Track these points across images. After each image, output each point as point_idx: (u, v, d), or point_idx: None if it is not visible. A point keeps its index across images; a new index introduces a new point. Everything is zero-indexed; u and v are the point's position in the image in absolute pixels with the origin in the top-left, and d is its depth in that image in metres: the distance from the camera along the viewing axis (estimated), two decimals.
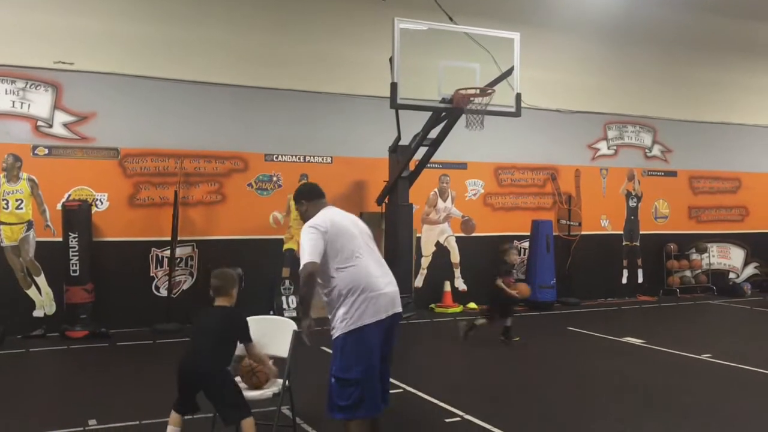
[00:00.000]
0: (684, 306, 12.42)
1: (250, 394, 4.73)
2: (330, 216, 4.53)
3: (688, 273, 13.88)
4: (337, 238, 4.38)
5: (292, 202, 10.70)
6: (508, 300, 8.70)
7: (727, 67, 14.03)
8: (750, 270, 14.69)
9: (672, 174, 13.97)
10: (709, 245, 14.10)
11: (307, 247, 4.33)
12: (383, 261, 4.62)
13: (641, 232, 13.58)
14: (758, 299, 12.80)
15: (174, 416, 4.55)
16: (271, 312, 10.30)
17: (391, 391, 4.69)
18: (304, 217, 4.71)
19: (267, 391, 4.69)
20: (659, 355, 8.12)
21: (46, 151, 9.51)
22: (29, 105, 9.43)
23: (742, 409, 5.93)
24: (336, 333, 4.40)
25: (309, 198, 4.75)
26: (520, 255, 9.08)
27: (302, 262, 4.31)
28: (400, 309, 4.52)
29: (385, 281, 4.45)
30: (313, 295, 4.37)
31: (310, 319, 4.41)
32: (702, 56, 13.70)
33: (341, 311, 4.35)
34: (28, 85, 9.42)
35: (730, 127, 14.35)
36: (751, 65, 14.24)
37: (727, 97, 14.27)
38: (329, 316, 4.49)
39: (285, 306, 10.60)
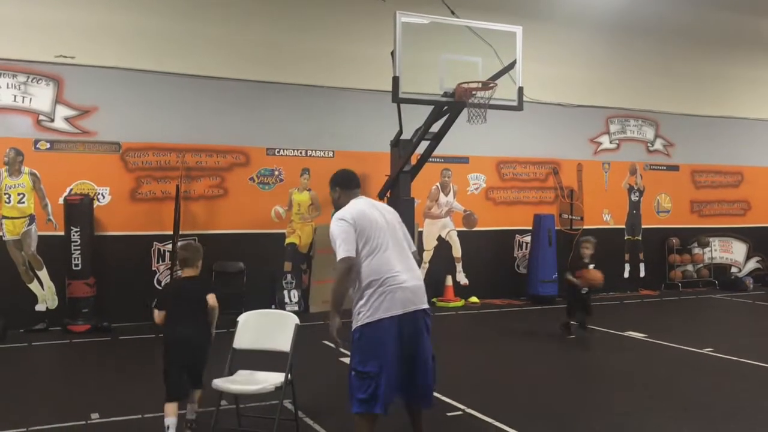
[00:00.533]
0: (686, 300, 12.41)
1: (250, 387, 4.74)
2: (359, 207, 4.46)
3: (690, 267, 13.88)
4: (363, 230, 4.33)
5: (294, 196, 10.83)
6: (582, 294, 8.61)
7: (730, 61, 13.99)
8: (752, 264, 14.68)
9: (674, 168, 13.94)
10: (711, 239, 14.09)
11: (340, 240, 4.27)
12: (409, 254, 4.52)
13: (643, 226, 13.56)
14: (760, 293, 12.79)
15: (169, 406, 4.69)
16: (273, 306, 10.32)
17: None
18: (336, 205, 4.70)
19: (269, 385, 4.70)
20: (661, 349, 8.12)
21: (48, 145, 9.51)
22: (31, 99, 9.42)
23: (743, 402, 5.93)
24: (354, 325, 4.35)
25: (343, 186, 4.69)
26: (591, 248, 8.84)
27: (338, 255, 4.26)
28: (423, 305, 4.39)
29: (407, 276, 4.34)
30: (347, 292, 4.32)
31: (339, 318, 4.33)
32: (705, 50, 13.66)
33: (360, 303, 4.32)
34: (29, 80, 9.41)
35: (733, 121, 14.32)
36: (754, 59, 14.20)
37: (730, 91, 14.24)
38: (352, 308, 4.43)
39: (287, 300, 10.61)
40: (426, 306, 4.43)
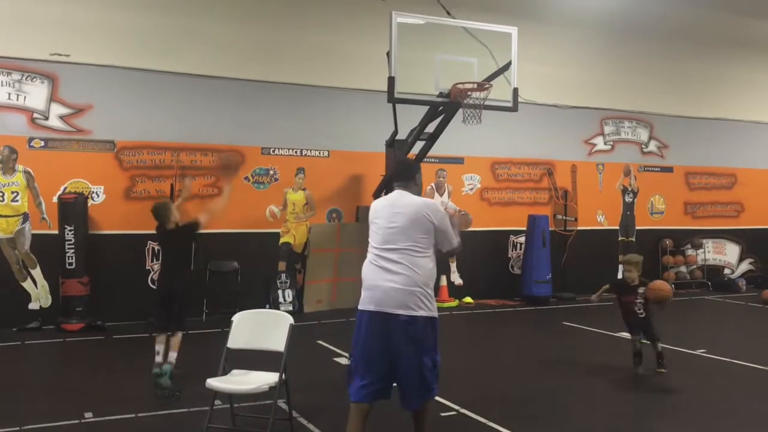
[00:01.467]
0: (679, 301, 12.39)
1: (244, 387, 4.74)
2: (379, 204, 4.65)
3: (683, 268, 13.93)
4: (371, 225, 4.57)
5: (289, 195, 10.83)
6: (641, 318, 7.15)
7: (724, 63, 14.05)
8: (745, 266, 14.74)
9: (668, 170, 13.99)
10: (704, 241, 14.14)
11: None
12: (410, 257, 4.36)
13: (637, 228, 13.61)
14: (753, 295, 12.84)
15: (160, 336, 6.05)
16: (268, 306, 10.30)
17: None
18: None
19: (263, 385, 4.70)
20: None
21: (42, 143, 9.48)
22: (25, 97, 9.40)
23: (735, 403, 5.96)
24: None
25: (393, 178, 4.90)
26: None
27: None
28: (397, 311, 4.27)
29: (389, 277, 4.32)
30: None
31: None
32: (699, 52, 13.71)
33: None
34: (24, 77, 9.38)
35: (727, 123, 14.38)
36: (748, 61, 14.26)
37: (724, 94, 14.30)
38: None
39: (281, 299, 10.59)
40: (398, 312, 4.27)
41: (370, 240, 4.54)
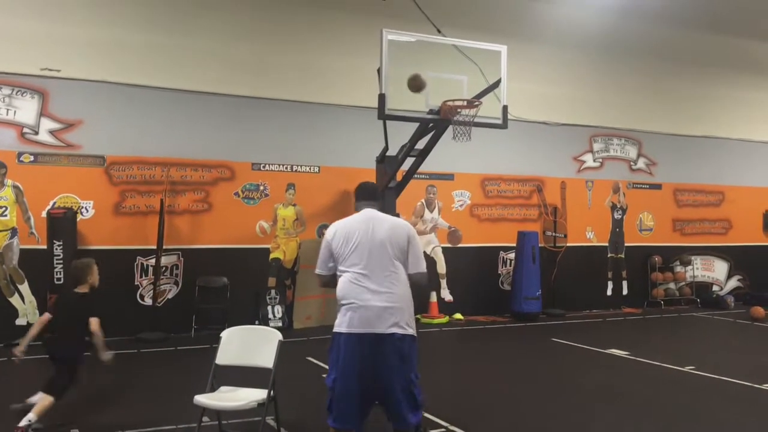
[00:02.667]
0: (668, 318, 12.50)
1: (232, 404, 4.72)
2: (347, 222, 4.47)
3: (672, 285, 13.98)
4: (340, 247, 4.35)
5: (279, 211, 10.82)
6: None
7: (712, 82, 14.21)
8: (733, 282, 14.82)
9: (657, 187, 14.09)
10: (693, 258, 14.22)
11: (319, 256, 4.50)
12: (393, 275, 4.33)
13: (626, 244, 13.67)
14: (741, 312, 12.90)
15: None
16: (257, 322, 10.27)
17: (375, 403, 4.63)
18: None
19: (251, 401, 4.68)
20: (643, 367, 8.16)
21: (32, 158, 9.46)
22: (15, 112, 9.39)
23: (724, 420, 5.98)
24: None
25: (357, 197, 4.71)
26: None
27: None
28: (387, 330, 4.18)
29: (377, 296, 4.22)
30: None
31: None
32: (688, 70, 13.87)
33: (338, 313, 4.33)
34: (14, 92, 9.38)
35: (715, 140, 14.52)
36: (735, 80, 14.42)
37: (712, 111, 14.45)
38: None
39: (270, 316, 10.57)
40: (392, 331, 4.19)
41: (341, 259, 4.33)
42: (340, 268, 4.33)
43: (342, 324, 4.23)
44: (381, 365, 4.17)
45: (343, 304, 4.25)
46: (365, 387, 4.18)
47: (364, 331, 4.17)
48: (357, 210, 4.59)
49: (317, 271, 4.48)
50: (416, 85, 6.12)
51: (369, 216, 4.47)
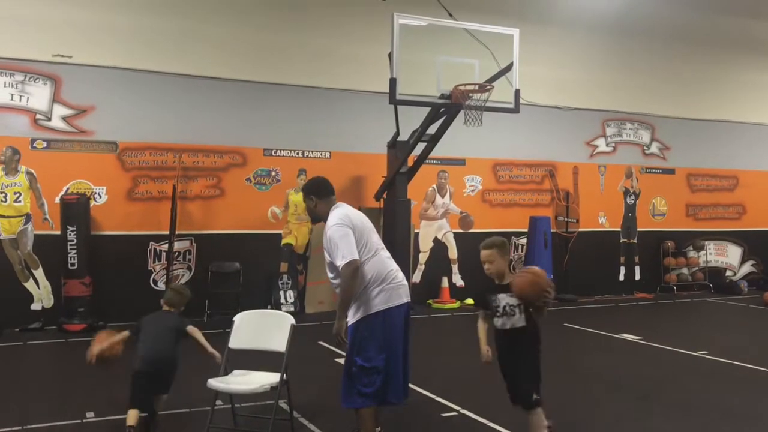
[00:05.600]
0: (681, 303, 12.45)
1: (245, 387, 4.75)
2: (348, 212, 4.56)
3: (685, 270, 13.92)
4: (361, 233, 4.46)
5: (291, 197, 10.84)
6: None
7: (726, 65, 14.04)
8: (747, 268, 14.73)
9: (670, 171, 13.99)
10: (706, 243, 14.13)
11: (342, 244, 4.33)
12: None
13: (639, 230, 13.61)
14: (755, 297, 12.83)
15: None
16: (269, 306, 10.32)
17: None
18: (313, 214, 4.76)
19: (264, 385, 4.71)
20: (656, 352, 8.14)
21: (45, 144, 9.51)
22: (28, 98, 9.42)
23: (737, 404, 5.96)
24: (355, 318, 4.42)
25: (319, 195, 4.69)
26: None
27: (341, 259, 4.30)
28: (407, 299, 4.60)
29: (401, 275, 4.59)
30: (356, 295, 4.39)
31: (346, 319, 4.43)
32: (701, 53, 13.70)
33: (362, 299, 4.39)
34: (26, 78, 9.41)
35: (729, 124, 14.38)
36: (750, 62, 14.24)
37: (726, 95, 14.29)
38: (349, 307, 4.48)
39: (283, 300, 10.62)
40: (407, 299, 4.61)
41: (366, 245, 4.45)
42: (363, 254, 4.41)
43: (381, 303, 4.39)
44: (407, 332, 4.55)
45: (380, 284, 4.41)
46: (402, 355, 4.48)
47: (401, 303, 4.47)
48: (327, 205, 4.64)
49: (352, 257, 4.29)
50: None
51: (351, 207, 4.68)
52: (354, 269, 4.29)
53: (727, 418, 5.57)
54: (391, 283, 4.46)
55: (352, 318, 4.43)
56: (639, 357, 7.94)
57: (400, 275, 4.57)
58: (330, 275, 4.56)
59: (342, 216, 4.47)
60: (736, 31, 13.51)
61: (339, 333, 4.40)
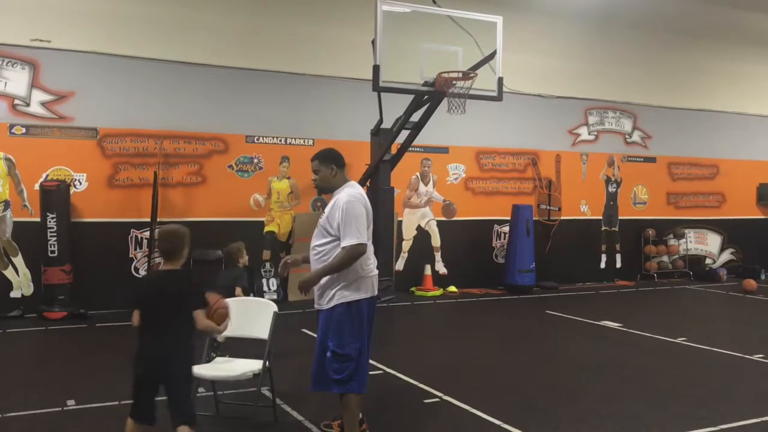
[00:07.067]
0: (661, 291, 12.58)
1: (228, 374, 4.74)
2: (364, 194, 4.50)
3: (665, 258, 14.06)
4: (367, 215, 4.42)
5: (273, 184, 10.79)
6: None
7: (707, 55, 14.14)
8: (726, 256, 14.90)
9: (651, 160, 14.09)
10: (686, 231, 14.27)
11: (357, 223, 4.27)
12: None
13: (620, 218, 13.71)
14: (733, 284, 12.99)
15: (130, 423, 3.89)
16: (252, 294, 10.27)
17: (370, 373, 4.72)
18: (327, 182, 4.55)
19: (248, 372, 4.70)
20: (636, 339, 8.24)
21: (24, 130, 9.38)
22: (5, 83, 9.28)
23: (715, 389, 6.04)
24: (330, 304, 4.38)
25: (339, 164, 4.58)
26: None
27: (351, 239, 4.23)
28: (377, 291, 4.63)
29: (376, 264, 4.59)
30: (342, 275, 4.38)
31: (317, 280, 4.34)
32: (683, 43, 13.80)
33: (339, 285, 4.35)
34: (4, 63, 9.27)
35: (709, 114, 14.50)
36: (731, 53, 14.35)
37: (707, 84, 14.40)
38: (322, 289, 4.43)
39: (265, 288, 10.60)
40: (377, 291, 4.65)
41: (363, 231, 4.34)
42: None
43: (360, 291, 4.39)
44: (371, 323, 4.55)
45: (361, 274, 4.40)
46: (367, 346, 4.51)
47: (374, 294, 4.51)
48: (344, 178, 4.56)
49: (362, 240, 4.26)
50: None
51: (361, 188, 4.61)
52: (360, 254, 4.29)
53: (705, 403, 5.65)
54: (370, 274, 4.47)
55: (328, 303, 4.39)
56: (619, 343, 8.03)
57: (374, 265, 4.57)
58: (318, 242, 4.41)
59: (358, 195, 4.42)
60: (718, 21, 13.59)
61: (307, 284, 4.36)
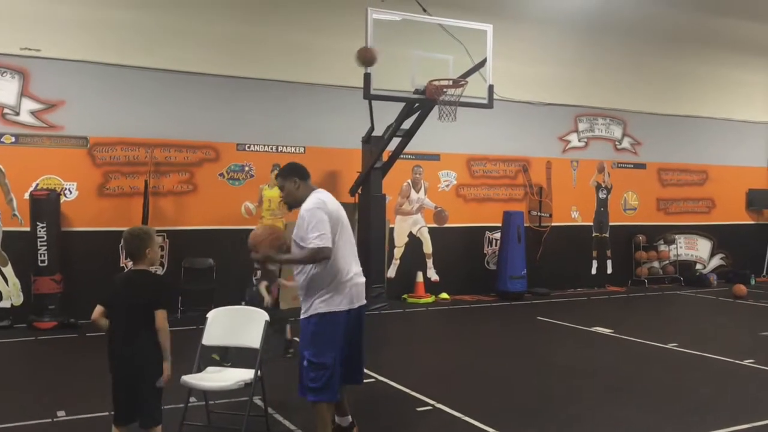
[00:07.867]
0: (652, 296, 12.62)
1: (219, 384, 4.72)
2: (328, 199, 4.49)
3: (656, 264, 14.11)
4: (336, 224, 4.40)
5: (265, 192, 10.77)
6: None
7: (697, 61, 14.23)
8: (716, 261, 14.97)
9: (641, 166, 14.16)
10: (676, 237, 14.34)
11: (320, 227, 4.26)
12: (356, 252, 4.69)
13: (611, 224, 13.76)
14: (724, 290, 13.05)
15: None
16: (243, 303, 10.23)
17: (365, 381, 4.75)
18: (292, 197, 4.59)
19: (239, 381, 4.68)
20: (627, 344, 8.26)
21: (13, 139, 9.34)
22: None
23: (705, 394, 6.07)
24: (307, 313, 4.45)
25: (302, 176, 4.59)
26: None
27: (313, 242, 4.22)
28: (365, 301, 4.62)
29: (358, 272, 4.56)
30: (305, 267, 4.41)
31: (277, 265, 4.50)
32: (672, 50, 13.88)
33: (318, 293, 4.40)
34: None
35: (699, 120, 14.58)
36: (720, 59, 14.44)
37: (696, 91, 14.50)
38: (303, 298, 4.51)
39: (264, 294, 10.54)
40: (365, 302, 4.64)
41: (342, 234, 4.44)
42: (333, 246, 4.36)
43: (342, 302, 4.40)
44: (359, 332, 4.58)
45: (341, 284, 4.40)
46: (347, 355, 4.49)
47: (359, 305, 4.51)
48: (308, 189, 4.55)
49: (326, 243, 4.23)
50: (365, 56, 5.79)
51: (330, 195, 4.59)
52: (323, 258, 4.28)
53: (696, 408, 5.66)
54: (352, 281, 4.45)
55: (305, 312, 4.45)
56: (611, 349, 8.05)
57: (362, 277, 4.56)
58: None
59: (319, 201, 4.41)
60: (707, 27, 13.69)
61: (264, 261, 4.63)
